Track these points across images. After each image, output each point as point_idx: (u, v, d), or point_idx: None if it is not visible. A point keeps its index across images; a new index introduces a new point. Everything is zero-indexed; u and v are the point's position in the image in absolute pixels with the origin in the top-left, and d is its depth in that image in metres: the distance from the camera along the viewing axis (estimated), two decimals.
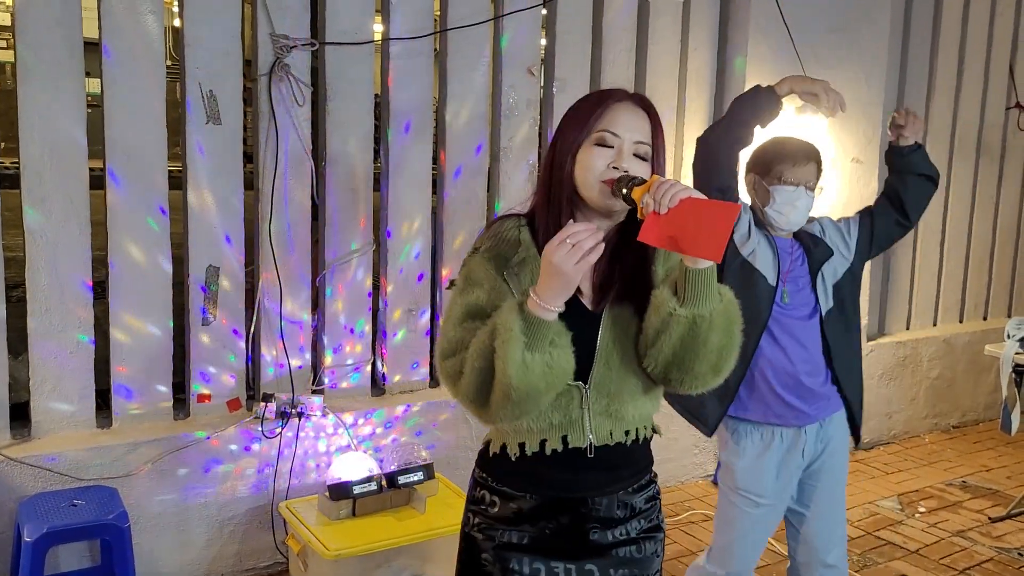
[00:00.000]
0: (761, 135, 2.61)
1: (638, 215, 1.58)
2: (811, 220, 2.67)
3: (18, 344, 3.21)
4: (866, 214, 2.76)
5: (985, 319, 5.92)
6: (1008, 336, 4.39)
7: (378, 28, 3.67)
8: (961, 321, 5.81)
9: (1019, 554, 3.89)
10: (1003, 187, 5.86)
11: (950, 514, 4.31)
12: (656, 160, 1.70)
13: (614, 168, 1.64)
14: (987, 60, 5.59)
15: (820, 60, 4.44)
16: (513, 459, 1.72)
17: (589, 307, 1.71)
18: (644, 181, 1.60)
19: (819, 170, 2.59)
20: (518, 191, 3.98)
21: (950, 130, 5.47)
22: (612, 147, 1.66)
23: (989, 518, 4.27)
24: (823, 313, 2.60)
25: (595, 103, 1.70)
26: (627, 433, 1.74)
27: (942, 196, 5.54)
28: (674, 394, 2.64)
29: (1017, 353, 4.30)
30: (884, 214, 2.74)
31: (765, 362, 2.58)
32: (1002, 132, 5.75)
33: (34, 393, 3.14)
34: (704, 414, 2.67)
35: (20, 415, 3.19)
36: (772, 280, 2.56)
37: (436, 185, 3.88)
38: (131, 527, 2.89)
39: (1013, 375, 4.30)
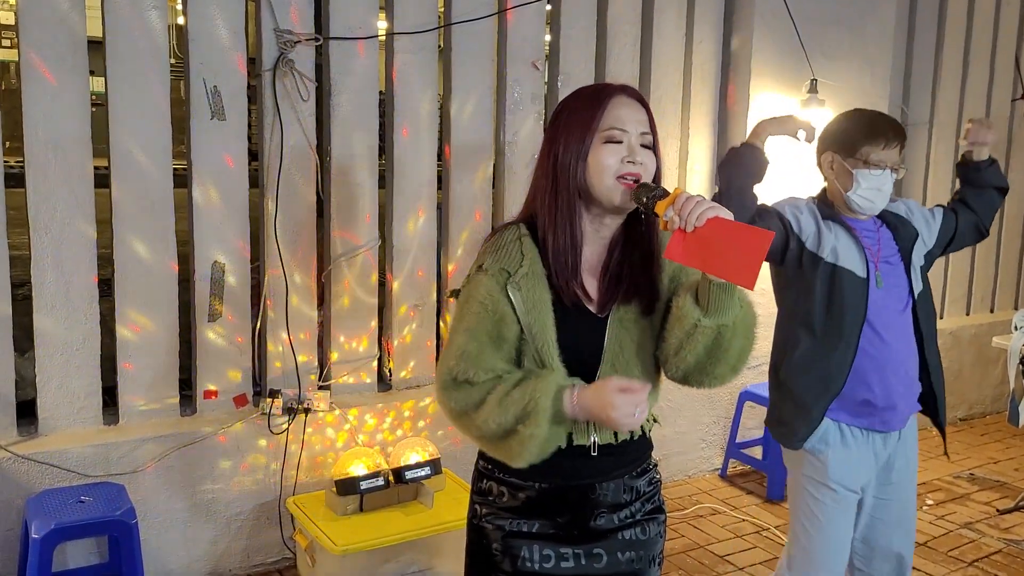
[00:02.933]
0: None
1: (661, 227, 1.59)
2: (893, 199, 2.52)
3: (24, 342, 3.22)
4: (950, 211, 2.65)
5: (992, 311, 5.90)
6: (1015, 328, 4.37)
7: (382, 24, 3.66)
8: (968, 313, 5.79)
9: None
10: (1009, 178, 5.81)
11: (958, 506, 4.31)
12: (656, 149, 1.71)
13: (629, 162, 1.64)
14: (993, 51, 5.56)
15: (825, 52, 4.42)
16: None
17: (595, 311, 1.71)
18: (666, 193, 1.59)
19: (903, 148, 2.44)
20: (523, 185, 3.97)
21: (956, 122, 5.45)
22: (621, 142, 1.66)
23: (997, 510, 4.26)
24: (915, 296, 2.47)
25: (594, 101, 1.68)
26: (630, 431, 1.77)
27: (948, 188, 5.52)
28: (773, 423, 2.60)
29: None
30: (967, 216, 2.65)
31: (868, 359, 2.42)
32: (1008, 124, 5.72)
33: (41, 390, 3.15)
34: (798, 426, 2.48)
35: (27, 412, 3.19)
36: (861, 272, 2.41)
37: (441, 180, 3.87)
38: (138, 523, 2.89)
39: (1020, 367, 4.28)
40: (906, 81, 5.25)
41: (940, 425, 2.64)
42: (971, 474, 4.73)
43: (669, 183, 4.28)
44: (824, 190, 2.55)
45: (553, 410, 1.61)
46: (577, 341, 1.68)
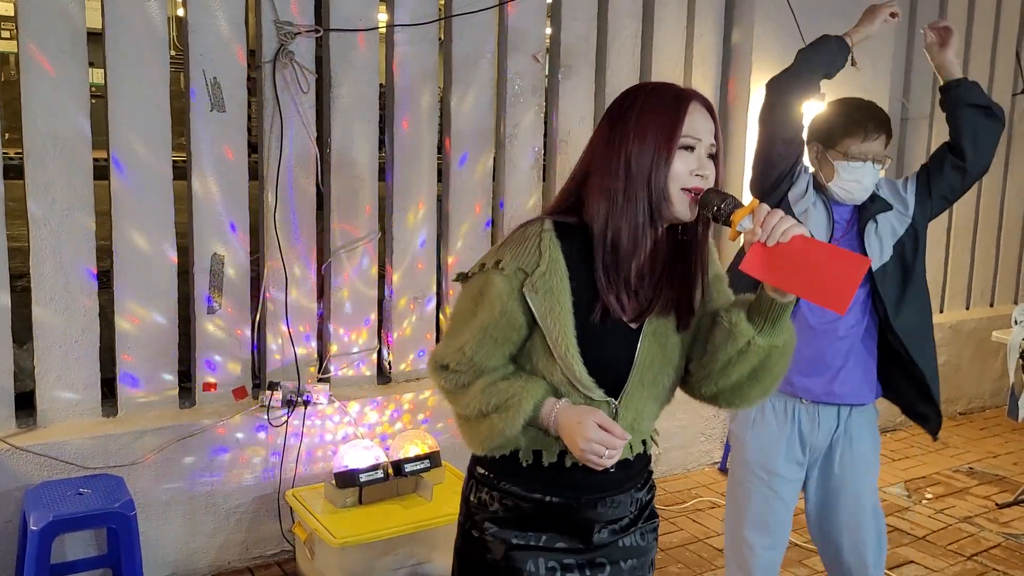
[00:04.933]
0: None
1: (729, 236, 1.56)
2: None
3: (23, 333, 3.21)
4: (922, 168, 2.61)
5: (992, 305, 5.90)
6: (1015, 322, 4.38)
7: (382, 15, 3.65)
8: (968, 307, 5.79)
9: None
10: (1009, 173, 5.83)
11: (957, 500, 4.31)
12: (720, 156, 1.64)
13: (697, 175, 1.58)
14: (994, 46, 5.55)
15: None
16: (524, 464, 1.68)
17: (628, 321, 1.64)
18: (739, 203, 1.54)
19: (888, 139, 2.44)
20: (523, 178, 3.97)
21: None
22: (693, 150, 1.59)
23: (996, 504, 4.26)
24: (873, 269, 2.43)
25: (675, 106, 1.60)
26: (644, 443, 1.75)
27: None
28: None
29: None
30: (937, 159, 2.57)
31: (805, 324, 2.40)
32: (1009, 118, 5.70)
33: (39, 382, 3.15)
34: None
35: (26, 404, 3.19)
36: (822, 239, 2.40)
37: (441, 173, 3.87)
38: (137, 515, 2.89)
39: (1020, 361, 4.29)
40: (907, 75, 5.24)
41: (935, 403, 2.55)
42: (970, 468, 4.74)
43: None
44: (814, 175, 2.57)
45: (532, 414, 1.60)
46: (605, 350, 1.63)
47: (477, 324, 1.62)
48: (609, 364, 1.63)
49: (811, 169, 2.53)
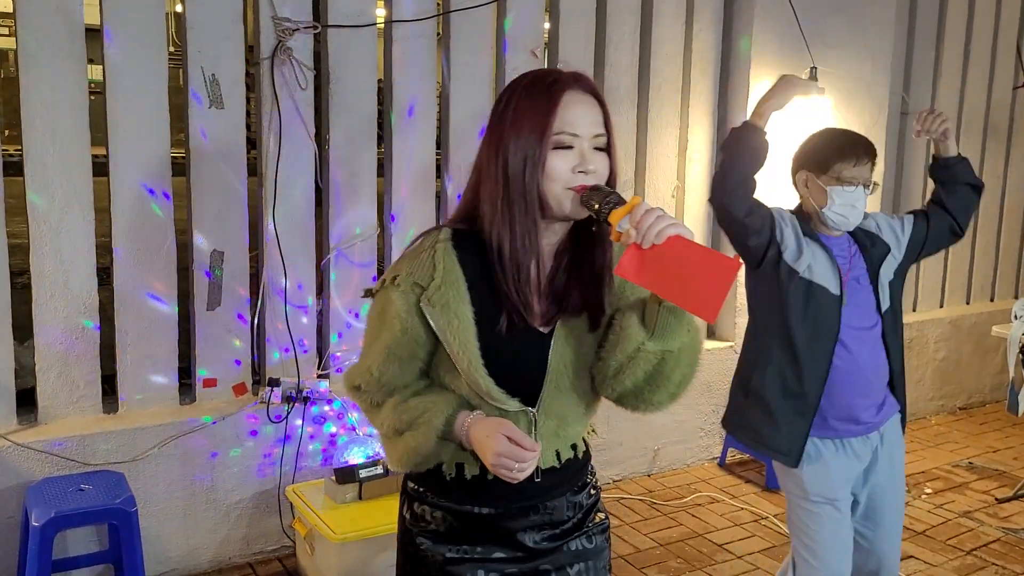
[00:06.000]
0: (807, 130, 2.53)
1: (611, 237, 1.45)
2: (865, 216, 2.54)
3: (24, 330, 3.22)
4: (921, 217, 2.65)
5: (992, 300, 5.90)
6: (1015, 317, 4.37)
7: (381, 11, 3.65)
8: (968, 302, 5.79)
9: None
10: (1010, 168, 5.82)
11: (957, 495, 4.31)
12: (611, 149, 1.54)
13: (580, 172, 1.48)
14: (994, 39, 5.54)
15: (825, 41, 4.41)
16: (448, 478, 1.63)
17: (539, 327, 1.57)
18: (622, 200, 1.43)
19: (874, 165, 2.47)
20: None
21: (957, 110, 5.44)
22: (572, 147, 1.49)
23: (996, 499, 4.26)
24: (883, 313, 2.50)
25: (545, 98, 1.49)
26: (573, 447, 1.68)
27: None
28: (739, 427, 2.63)
29: None
30: (939, 219, 2.64)
31: (839, 377, 2.46)
32: (1009, 112, 5.71)
33: (40, 379, 3.15)
34: (783, 445, 2.50)
35: (27, 401, 3.20)
36: (835, 289, 2.44)
37: (439, 169, 3.87)
38: (138, 511, 2.90)
39: (1020, 356, 4.28)
40: (907, 70, 5.23)
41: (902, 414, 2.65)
42: (970, 463, 4.74)
43: (664, 174, 4.35)
44: (800, 207, 2.57)
45: (444, 429, 1.55)
46: (515, 359, 1.55)
47: (382, 344, 1.57)
48: (521, 373, 1.57)
49: (787, 218, 2.50)
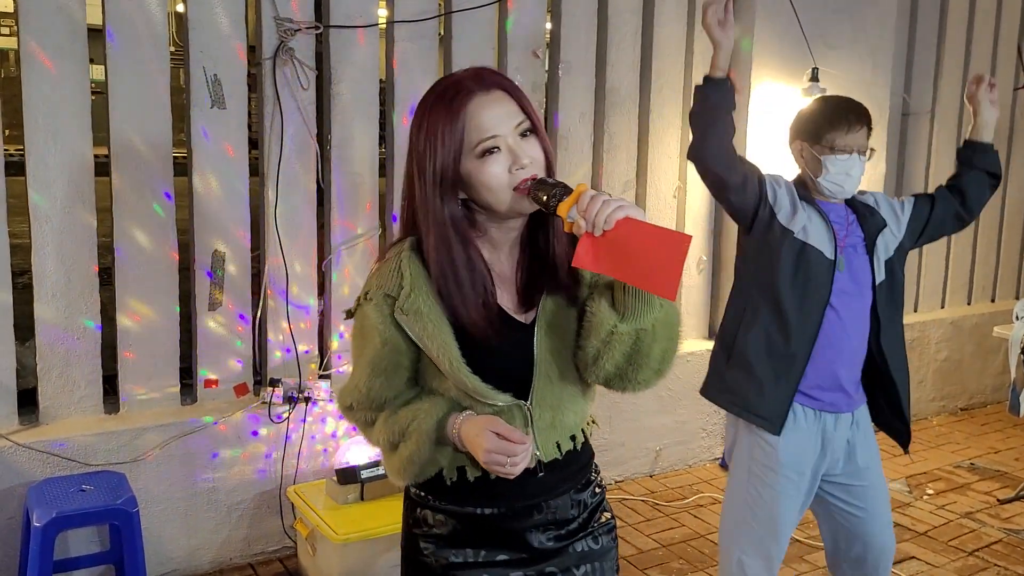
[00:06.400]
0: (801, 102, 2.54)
1: (564, 229, 1.44)
2: (863, 192, 2.57)
3: (25, 330, 3.22)
4: (924, 198, 2.65)
5: (993, 301, 5.90)
6: (1016, 318, 4.37)
7: (383, 11, 3.65)
8: (969, 303, 5.79)
9: None
10: (1011, 168, 5.82)
11: (958, 496, 4.31)
12: (537, 131, 1.52)
13: (519, 169, 1.47)
14: (995, 40, 5.54)
15: (826, 41, 4.41)
16: (449, 483, 1.62)
17: (519, 319, 1.58)
18: (568, 190, 1.42)
19: (870, 131, 2.47)
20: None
21: (957, 111, 5.44)
22: (498, 148, 1.47)
23: (998, 500, 4.26)
24: (875, 285, 2.49)
25: (449, 114, 1.47)
26: (572, 438, 1.67)
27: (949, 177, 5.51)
28: (720, 391, 2.60)
29: None
30: (946, 203, 2.63)
31: (827, 341, 2.45)
32: (1010, 113, 5.71)
33: (42, 379, 3.15)
34: (766, 409, 2.49)
35: (28, 401, 3.20)
36: (829, 253, 2.44)
37: None
38: (140, 512, 2.89)
39: (1021, 356, 4.28)
40: (908, 70, 5.23)
41: (905, 420, 2.60)
42: (972, 464, 4.73)
43: (665, 174, 4.34)
44: (799, 176, 2.58)
45: (436, 433, 1.55)
46: (502, 352, 1.55)
47: (365, 360, 1.58)
48: (508, 367, 1.57)
49: (782, 182, 2.52)
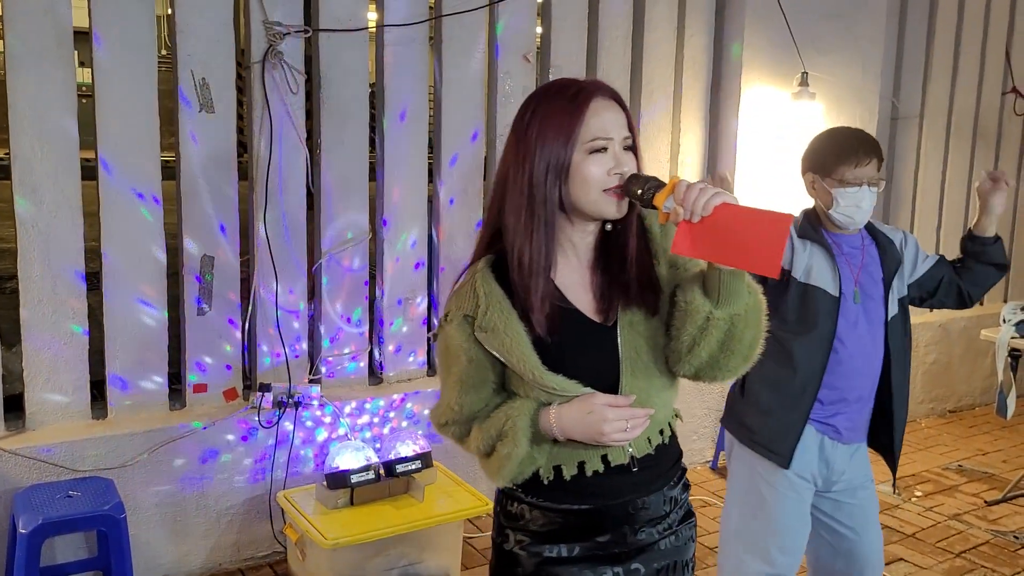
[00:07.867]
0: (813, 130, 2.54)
1: (659, 220, 1.52)
2: (896, 230, 2.61)
3: (12, 335, 3.20)
4: (943, 264, 2.66)
5: (981, 304, 5.90)
6: (1004, 321, 4.39)
7: (372, 15, 3.64)
8: None
9: (1015, 537, 3.90)
10: (999, 170, 5.84)
11: (946, 498, 4.32)
12: (636, 149, 1.62)
13: (616, 174, 1.55)
14: (983, 45, 5.57)
15: (816, 46, 4.42)
16: (546, 483, 1.66)
17: (599, 320, 1.64)
18: (662, 183, 1.50)
19: (880, 162, 2.48)
20: None
21: (946, 115, 5.46)
22: (606, 150, 1.56)
23: (985, 502, 4.28)
24: (888, 319, 2.51)
25: (572, 107, 1.56)
26: (661, 432, 1.73)
27: (938, 181, 5.54)
28: (734, 424, 2.62)
29: (1013, 338, 4.31)
30: (952, 285, 2.65)
31: (835, 375, 2.47)
32: (998, 117, 5.74)
33: (28, 384, 3.13)
34: (776, 444, 2.51)
35: (14, 407, 3.18)
36: (833, 290, 2.45)
37: (432, 173, 3.86)
38: (128, 518, 2.88)
39: (1009, 359, 4.30)
40: (897, 74, 5.26)
41: (894, 455, 2.63)
42: (959, 466, 4.75)
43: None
44: (813, 207, 2.59)
45: (532, 430, 1.60)
46: (584, 357, 1.61)
47: (454, 379, 1.66)
48: (594, 369, 1.62)
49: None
